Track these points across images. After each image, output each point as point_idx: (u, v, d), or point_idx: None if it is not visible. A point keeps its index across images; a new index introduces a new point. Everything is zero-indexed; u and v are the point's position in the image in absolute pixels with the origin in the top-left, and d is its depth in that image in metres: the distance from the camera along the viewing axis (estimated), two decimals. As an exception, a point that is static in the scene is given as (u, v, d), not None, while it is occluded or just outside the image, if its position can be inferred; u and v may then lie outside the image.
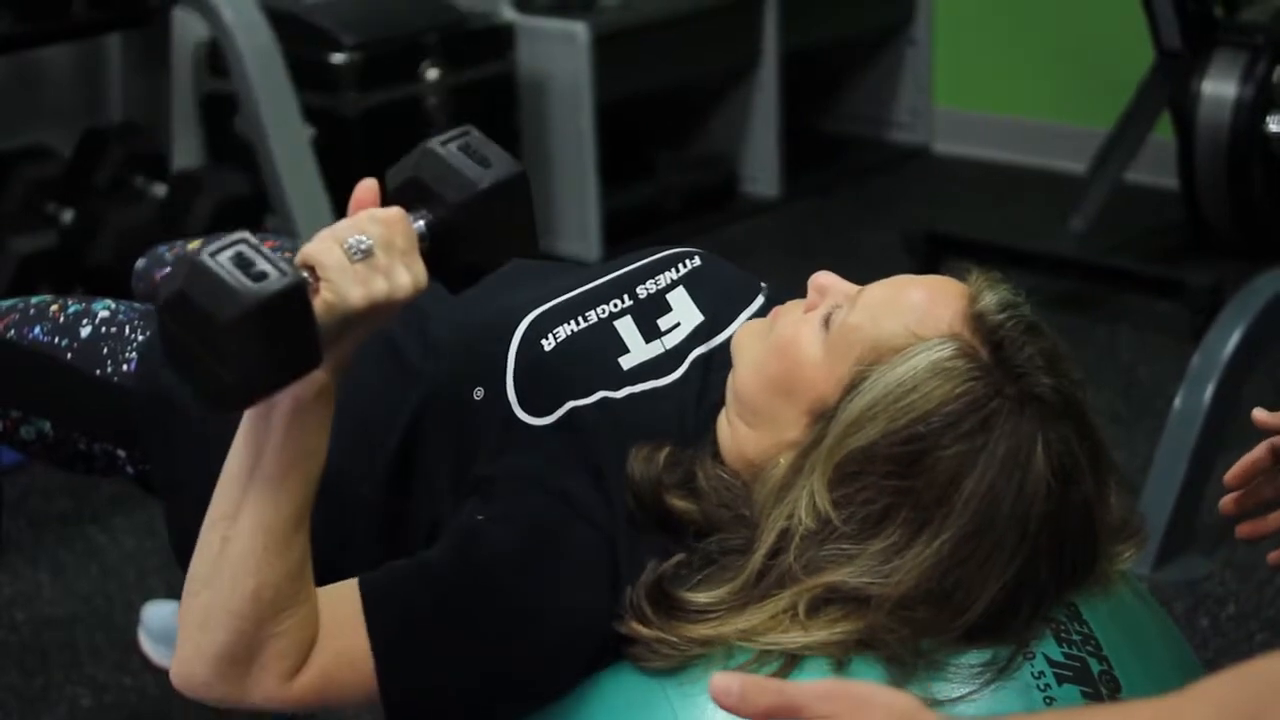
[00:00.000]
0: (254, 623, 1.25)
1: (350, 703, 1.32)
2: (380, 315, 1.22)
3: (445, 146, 1.29)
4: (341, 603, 1.30)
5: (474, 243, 1.28)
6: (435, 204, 1.27)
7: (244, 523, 1.24)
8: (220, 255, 1.15)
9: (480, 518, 1.34)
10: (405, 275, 1.21)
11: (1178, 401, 2.65)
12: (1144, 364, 3.47)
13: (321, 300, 1.18)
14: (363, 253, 1.20)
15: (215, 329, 1.13)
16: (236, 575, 1.24)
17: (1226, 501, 1.43)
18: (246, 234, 1.18)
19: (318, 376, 1.21)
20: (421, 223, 1.26)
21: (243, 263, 1.14)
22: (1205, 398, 2.61)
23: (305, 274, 1.19)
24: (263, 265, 1.15)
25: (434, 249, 1.26)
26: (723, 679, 0.97)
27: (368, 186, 1.26)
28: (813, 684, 0.99)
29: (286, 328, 1.15)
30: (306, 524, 1.26)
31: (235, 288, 1.13)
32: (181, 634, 1.28)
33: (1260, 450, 1.40)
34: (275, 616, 1.25)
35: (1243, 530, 1.44)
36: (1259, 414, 1.40)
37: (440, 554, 1.33)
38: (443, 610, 1.30)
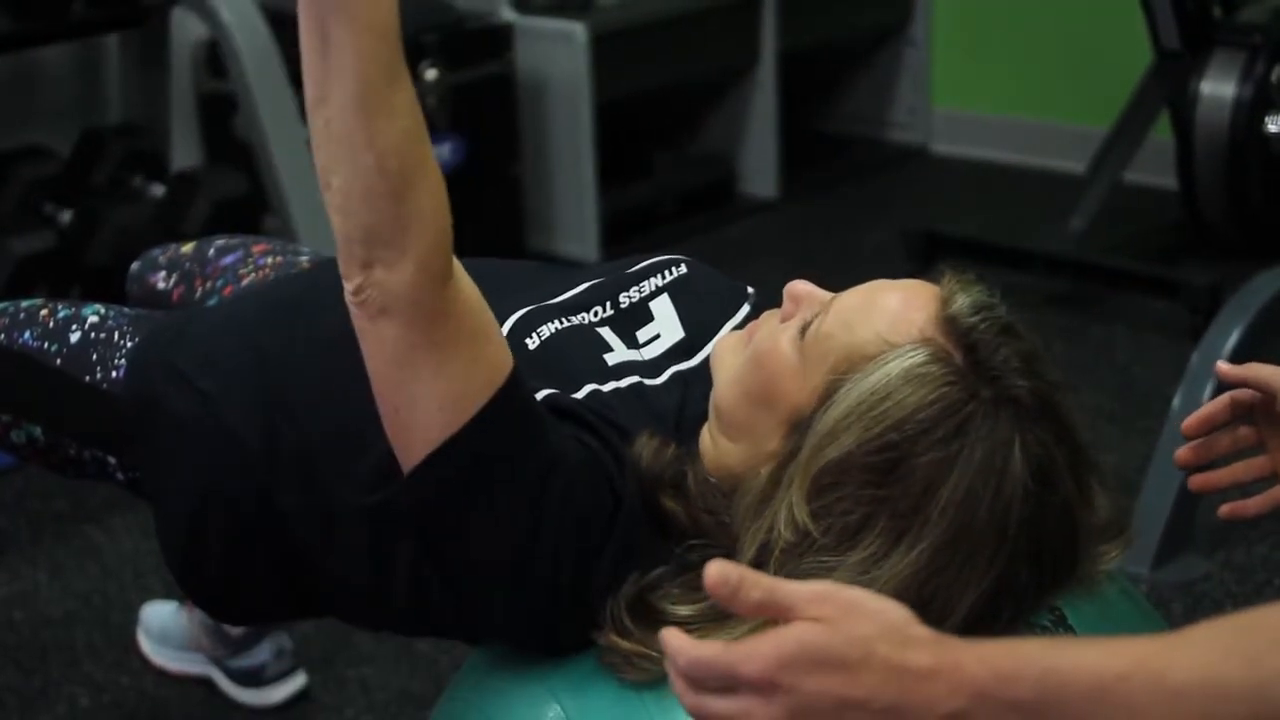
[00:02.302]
0: (388, 197, 1.22)
1: (436, 380, 1.26)
2: None
3: None
4: (501, 337, 1.30)
5: None
6: None
7: (336, 99, 1.22)
8: None
9: None
10: None
11: (1176, 401, 2.65)
12: (1141, 364, 3.47)
13: None
14: None
15: None
16: (353, 154, 1.22)
17: (1183, 452, 1.43)
18: None
19: None
20: None
21: None
22: (1204, 398, 2.60)
23: None
24: None
25: None
26: (722, 568, 0.96)
27: None
28: (805, 586, 0.98)
29: None
30: (403, 83, 1.23)
31: None
32: (335, 230, 1.26)
33: (1221, 401, 1.39)
34: (408, 185, 1.23)
35: (1192, 483, 1.44)
36: (1222, 366, 1.40)
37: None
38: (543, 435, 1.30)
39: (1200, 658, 0.94)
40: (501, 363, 1.29)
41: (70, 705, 2.47)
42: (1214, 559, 2.73)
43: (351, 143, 1.22)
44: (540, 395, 1.36)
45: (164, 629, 2.53)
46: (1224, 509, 1.43)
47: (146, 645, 2.55)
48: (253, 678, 2.46)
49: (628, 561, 1.31)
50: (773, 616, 0.97)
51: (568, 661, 1.35)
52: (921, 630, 0.98)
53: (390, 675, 2.53)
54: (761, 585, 0.96)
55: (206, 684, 2.50)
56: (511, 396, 1.29)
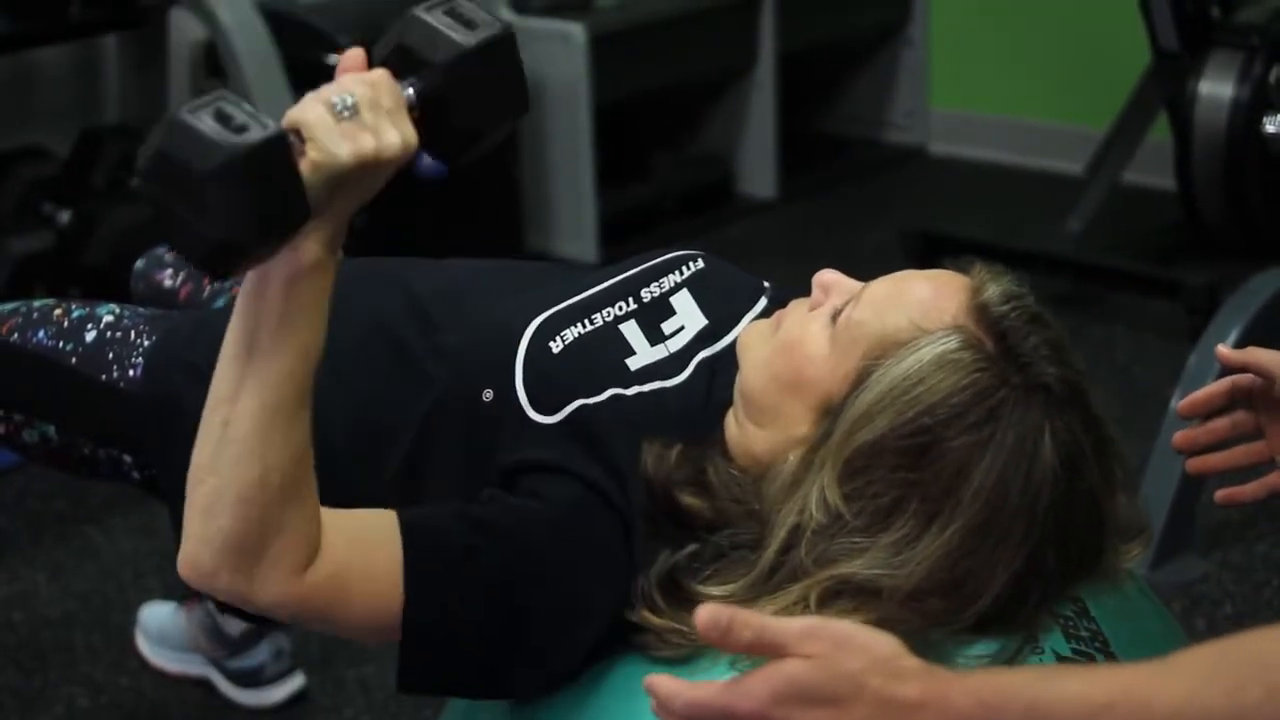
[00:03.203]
0: (261, 508, 1.22)
1: (350, 622, 1.29)
2: (370, 179, 1.19)
3: (430, 12, 1.25)
4: (376, 521, 1.29)
5: (464, 106, 1.25)
6: (423, 69, 1.23)
7: (244, 404, 1.21)
8: (200, 111, 1.12)
9: (502, 493, 1.34)
10: (394, 133, 1.18)
11: (1174, 401, 2.65)
12: (1141, 364, 3.47)
13: (309, 161, 1.16)
14: (349, 109, 1.17)
15: (195, 182, 1.10)
16: (241, 459, 1.21)
17: (1180, 436, 1.43)
18: (225, 91, 1.15)
19: (310, 248, 1.18)
20: (411, 90, 1.23)
21: (223, 117, 1.12)
22: (1202, 398, 2.60)
23: (291, 136, 1.16)
24: (242, 119, 1.12)
25: (425, 116, 1.23)
26: (713, 611, 0.98)
27: (354, 55, 1.23)
28: (794, 623, 0.99)
29: (269, 180, 1.12)
30: (309, 405, 1.23)
31: (215, 140, 1.10)
32: (187, 525, 1.25)
33: (1221, 385, 1.40)
34: (282, 504, 1.22)
35: (1190, 465, 1.44)
36: (1223, 350, 1.40)
37: (474, 508, 1.33)
38: (475, 557, 1.29)
39: (1183, 687, 0.96)
40: (394, 558, 1.28)
41: (69, 706, 2.47)
42: (1211, 559, 2.73)
43: (244, 449, 1.21)
44: (571, 408, 1.38)
45: (162, 630, 2.53)
46: (1220, 494, 1.44)
47: (145, 646, 2.55)
48: (251, 678, 2.46)
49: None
50: (765, 655, 0.98)
51: (557, 703, 1.36)
52: (911, 662, 0.99)
53: (389, 675, 2.52)
54: (752, 625, 0.98)
55: (205, 685, 2.50)
56: (422, 573, 1.28)
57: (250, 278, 1.21)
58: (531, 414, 1.39)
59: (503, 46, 1.27)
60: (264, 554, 1.23)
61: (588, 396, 1.39)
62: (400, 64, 1.23)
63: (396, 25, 1.25)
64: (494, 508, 1.33)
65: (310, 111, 1.17)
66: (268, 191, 1.12)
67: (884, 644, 0.99)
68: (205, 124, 1.11)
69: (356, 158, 1.16)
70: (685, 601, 1.27)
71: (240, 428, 1.22)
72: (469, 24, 1.25)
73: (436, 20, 1.24)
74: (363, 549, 1.28)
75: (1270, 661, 0.96)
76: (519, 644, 1.31)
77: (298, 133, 1.16)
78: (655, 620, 1.28)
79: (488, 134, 1.29)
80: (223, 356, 1.24)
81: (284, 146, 1.13)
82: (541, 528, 1.31)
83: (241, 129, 1.11)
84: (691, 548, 1.31)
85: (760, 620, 0.99)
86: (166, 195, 1.13)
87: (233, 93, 1.15)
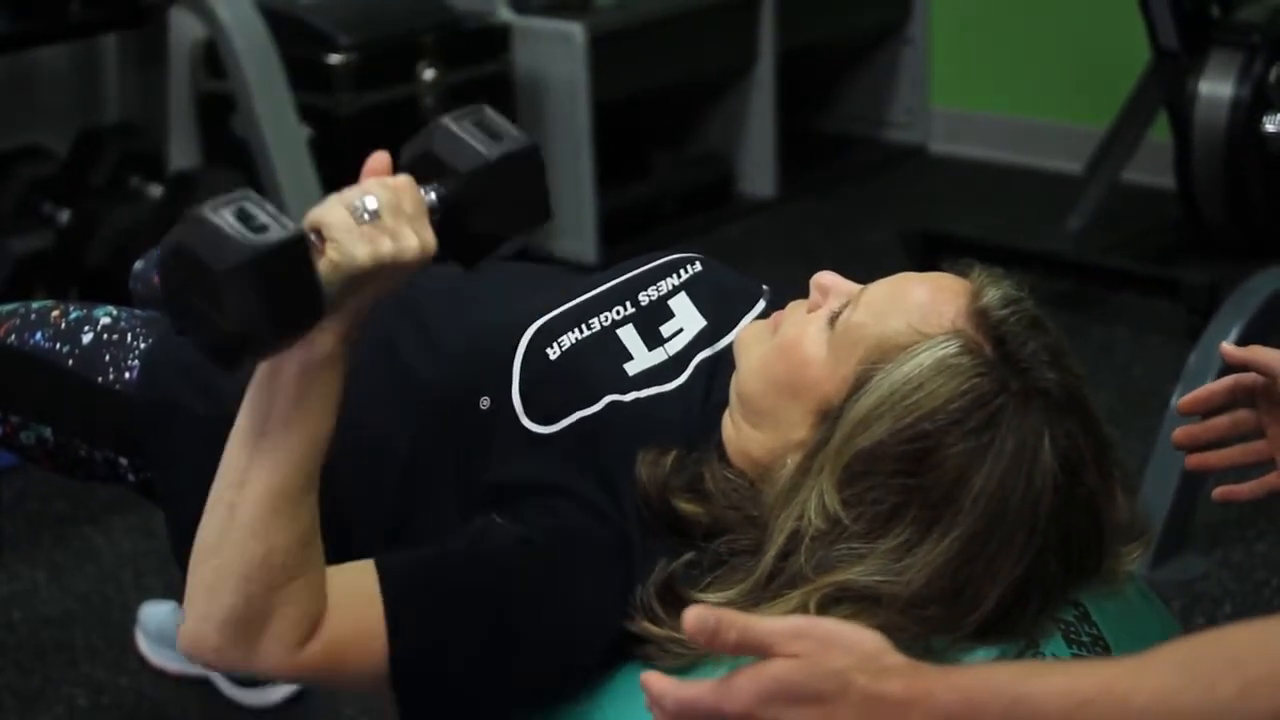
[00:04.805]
0: (264, 587, 1.24)
1: (355, 681, 1.32)
2: (387, 279, 1.23)
3: (458, 122, 1.31)
4: (357, 578, 1.30)
5: (484, 214, 1.30)
6: (446, 176, 1.28)
7: (251, 489, 1.24)
8: (222, 209, 1.16)
9: (495, 518, 1.34)
10: (412, 238, 1.22)
11: (1174, 401, 2.65)
12: (1140, 364, 3.47)
13: (327, 260, 1.19)
14: (369, 214, 1.21)
15: (213, 279, 1.14)
16: (245, 541, 1.24)
17: (1179, 432, 1.43)
18: (250, 191, 1.19)
19: (324, 341, 1.22)
20: (433, 194, 1.27)
21: (244, 216, 1.16)
22: (1202, 397, 2.60)
23: (311, 235, 1.20)
24: (264, 219, 1.16)
25: (445, 220, 1.28)
26: (699, 614, 0.98)
27: (379, 158, 1.28)
28: (780, 622, 1.00)
29: (286, 279, 1.16)
30: (315, 489, 1.26)
31: (235, 238, 1.14)
32: (189, 601, 1.28)
33: (1222, 384, 1.40)
34: (286, 583, 1.25)
35: (1189, 461, 1.44)
36: (1226, 347, 1.40)
37: (458, 543, 1.34)
38: (460, 596, 1.30)
39: (1161, 682, 0.96)
40: (380, 613, 1.30)
41: (68, 705, 2.47)
42: (1212, 558, 2.73)
43: (249, 532, 1.24)
44: (568, 420, 1.38)
45: (162, 629, 2.53)
46: (1218, 492, 1.44)
47: (145, 645, 2.55)
48: (251, 678, 2.46)
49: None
50: (752, 655, 0.99)
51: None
52: (896, 659, 1.00)
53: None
54: (737, 626, 0.99)
55: (205, 684, 2.50)
56: (405, 620, 1.29)
57: (263, 367, 1.24)
58: (527, 423, 1.39)
59: (525, 159, 1.33)
60: (266, 630, 1.26)
61: (585, 406, 1.38)
62: (425, 170, 1.28)
63: (424, 132, 1.30)
64: (480, 543, 1.33)
65: (332, 213, 1.21)
66: (283, 290, 1.16)
67: (869, 641, 1.00)
68: (227, 222, 1.15)
69: (374, 260, 1.20)
70: (685, 610, 1.27)
71: (246, 512, 1.24)
72: (495, 136, 1.31)
73: (463, 130, 1.30)
74: (352, 613, 1.29)
75: (1243, 655, 0.97)
76: (517, 678, 1.31)
77: (318, 232, 1.20)
78: (655, 630, 1.28)
79: (505, 241, 1.34)
80: (232, 440, 1.27)
81: (302, 248, 1.17)
82: (531, 559, 1.31)
83: (262, 229, 1.15)
84: (689, 556, 1.30)
85: (745, 620, 0.99)
86: (184, 287, 1.17)
87: (256, 193, 1.19)
